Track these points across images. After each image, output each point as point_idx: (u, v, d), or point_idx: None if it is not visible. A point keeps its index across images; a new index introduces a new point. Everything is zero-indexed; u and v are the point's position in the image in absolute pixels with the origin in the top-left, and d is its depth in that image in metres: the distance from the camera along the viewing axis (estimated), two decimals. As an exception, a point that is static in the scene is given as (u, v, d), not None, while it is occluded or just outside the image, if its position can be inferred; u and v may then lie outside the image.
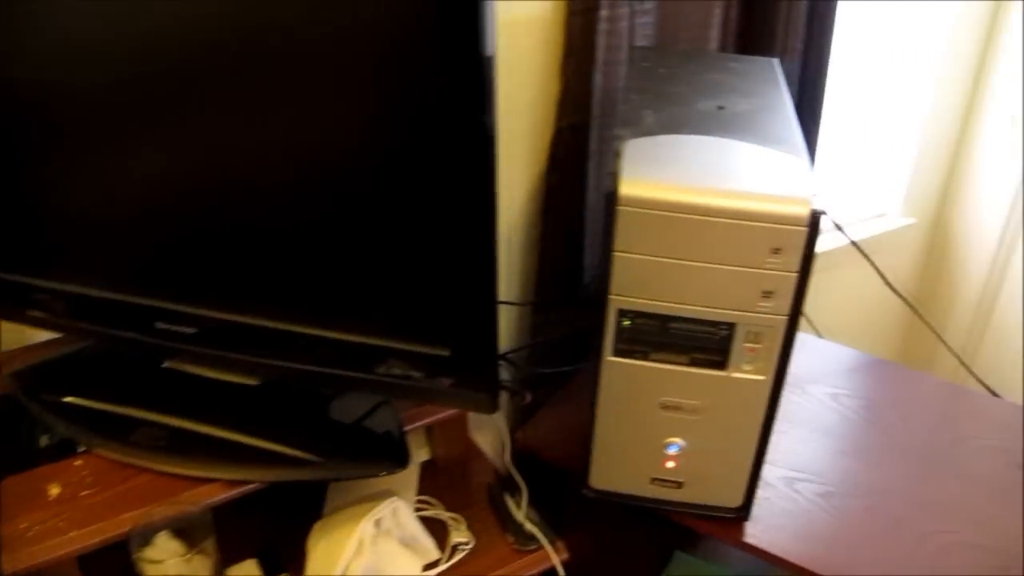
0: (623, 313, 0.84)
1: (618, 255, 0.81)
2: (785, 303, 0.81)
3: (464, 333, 0.86)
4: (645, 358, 0.87)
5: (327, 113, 0.84)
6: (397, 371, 0.89)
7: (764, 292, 0.80)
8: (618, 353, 0.87)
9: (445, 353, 0.87)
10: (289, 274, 0.91)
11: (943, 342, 1.30)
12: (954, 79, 1.92)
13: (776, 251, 0.78)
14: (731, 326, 0.83)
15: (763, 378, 0.86)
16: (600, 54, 1.24)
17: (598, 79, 1.26)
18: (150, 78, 0.84)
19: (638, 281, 0.82)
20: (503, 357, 1.31)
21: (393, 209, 0.85)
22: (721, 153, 0.84)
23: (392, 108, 0.82)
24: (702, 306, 0.82)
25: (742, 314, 0.82)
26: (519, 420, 1.30)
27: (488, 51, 0.79)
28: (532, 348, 1.41)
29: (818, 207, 0.76)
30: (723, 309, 0.82)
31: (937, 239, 2.14)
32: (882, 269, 1.35)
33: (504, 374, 1.32)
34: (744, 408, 0.88)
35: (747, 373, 0.86)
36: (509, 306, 1.39)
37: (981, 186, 2.02)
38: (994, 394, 1.20)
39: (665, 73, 1.04)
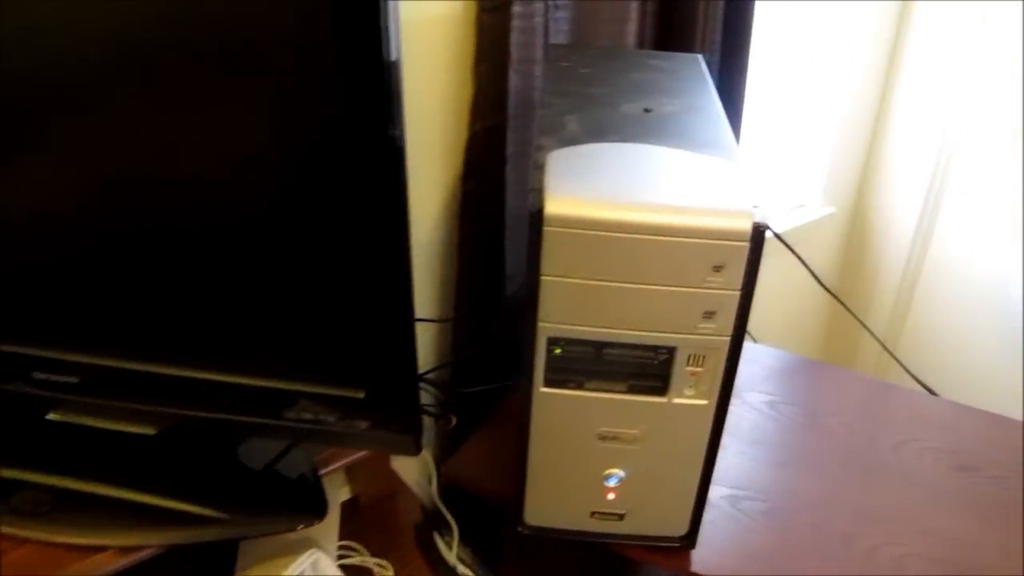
0: (554, 341, 0.77)
1: (546, 280, 0.73)
2: (728, 323, 0.75)
3: (380, 371, 0.78)
4: (579, 387, 0.80)
5: (216, 129, 0.74)
6: (308, 415, 0.80)
7: (706, 312, 0.74)
8: (550, 383, 0.80)
9: (360, 395, 0.78)
10: (181, 312, 0.81)
11: (873, 335, 1.27)
12: (868, 68, 1.92)
13: (717, 268, 0.72)
14: (671, 350, 0.77)
15: (706, 402, 0.80)
16: (514, 53, 1.17)
17: (513, 79, 1.19)
18: (18, 91, 0.73)
19: (569, 306, 0.75)
20: (422, 378, 1.23)
21: (295, 235, 0.76)
22: (652, 162, 0.78)
23: (290, 123, 0.73)
24: (639, 330, 0.76)
25: (683, 336, 0.76)
26: (446, 448, 1.23)
27: (392, 55, 0.71)
28: (453, 366, 1.33)
29: (761, 220, 0.70)
30: (662, 332, 0.76)
31: (856, 228, 2.14)
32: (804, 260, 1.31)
33: (425, 397, 1.24)
34: (687, 434, 0.82)
35: (689, 398, 0.79)
36: (427, 323, 1.30)
37: (897, 172, 2.03)
38: (931, 392, 1.17)
39: (586, 73, 0.97)
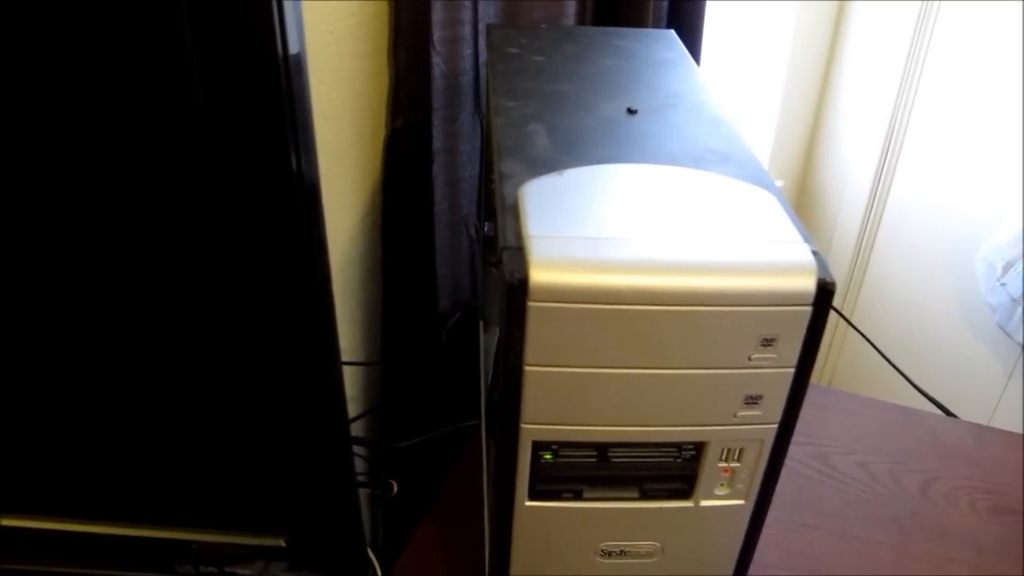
0: (542, 446, 0.56)
1: (532, 371, 0.52)
2: (777, 408, 0.55)
3: (308, 511, 0.56)
4: (577, 498, 0.59)
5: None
6: (213, 570, 0.57)
7: (748, 398, 0.54)
8: (537, 496, 0.59)
9: (280, 543, 0.56)
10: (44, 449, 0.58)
11: (855, 328, 1.11)
12: (811, 37, 1.76)
13: (767, 342, 0.52)
14: (700, 445, 0.57)
15: (742, 502, 0.60)
16: (437, 32, 0.95)
17: (437, 63, 0.97)
18: None
19: (562, 402, 0.54)
20: (346, 427, 1.01)
21: (181, 322, 0.53)
22: (660, 193, 0.57)
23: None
24: (659, 425, 0.55)
25: (716, 429, 0.56)
26: (388, 526, 1.01)
27: (293, 48, 0.49)
28: (382, 413, 1.11)
29: (825, 273, 0.50)
30: (688, 427, 0.56)
31: (806, 199, 1.99)
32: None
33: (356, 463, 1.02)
34: (716, 541, 0.63)
35: (721, 499, 0.60)
36: (349, 366, 1.08)
37: (845, 141, 1.89)
38: (949, 413, 1.01)
39: (543, 62, 0.75)
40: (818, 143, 1.94)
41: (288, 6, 0.49)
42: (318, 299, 0.54)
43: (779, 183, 1.87)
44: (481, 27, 0.98)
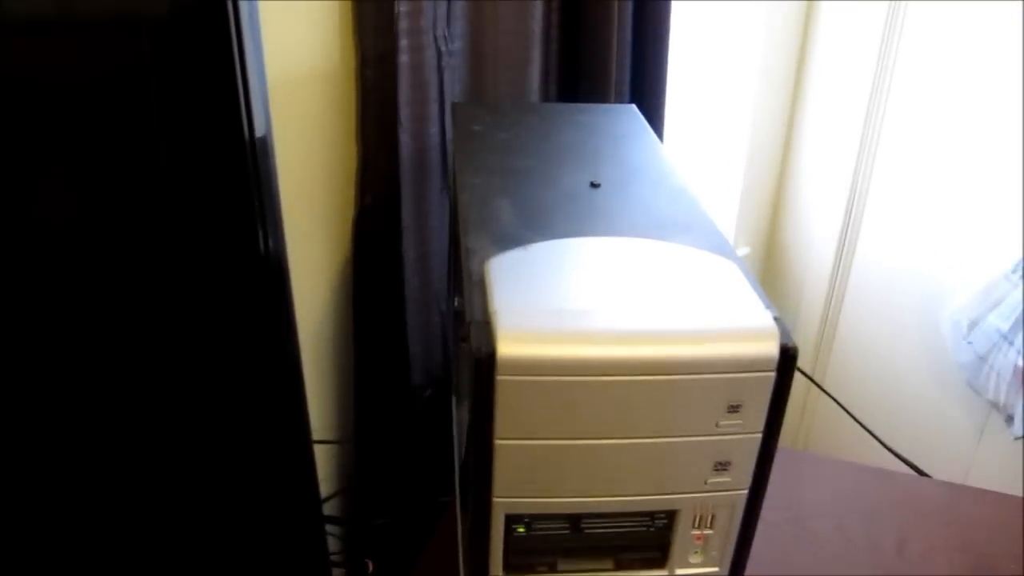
0: (515, 519, 0.56)
1: (502, 444, 0.52)
2: (746, 473, 0.56)
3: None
4: (551, 571, 0.59)
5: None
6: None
7: (717, 464, 0.55)
8: (511, 569, 0.59)
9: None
10: None
11: (825, 392, 1.12)
12: (771, 108, 1.81)
13: (733, 408, 0.52)
14: (672, 514, 0.57)
15: (716, 569, 0.60)
16: (404, 110, 0.97)
17: (405, 141, 0.99)
18: None
19: (534, 474, 0.54)
20: (318, 507, 1.00)
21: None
22: (624, 264, 0.58)
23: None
24: (630, 495, 0.56)
25: (688, 496, 0.56)
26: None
27: (260, 131, 0.50)
28: (356, 492, 1.10)
29: (788, 338, 0.51)
30: (660, 495, 0.56)
31: (772, 266, 2.02)
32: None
33: (329, 542, 1.01)
34: (692, 611, 0.62)
35: (695, 567, 0.60)
36: (322, 444, 1.07)
37: (808, 207, 1.93)
38: (921, 473, 1.01)
39: (507, 139, 0.77)
40: (782, 208, 1.98)
41: (254, 90, 0.50)
42: (288, 379, 0.54)
43: (745, 250, 1.90)
44: (447, 105, 1.01)
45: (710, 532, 0.58)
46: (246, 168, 0.51)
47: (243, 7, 0.50)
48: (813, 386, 1.25)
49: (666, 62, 1.21)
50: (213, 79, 0.50)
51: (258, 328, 0.53)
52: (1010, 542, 0.92)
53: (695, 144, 1.72)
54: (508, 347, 0.49)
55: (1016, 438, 1.54)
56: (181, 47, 0.49)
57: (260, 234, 0.50)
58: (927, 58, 1.62)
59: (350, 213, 1.03)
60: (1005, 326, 1.49)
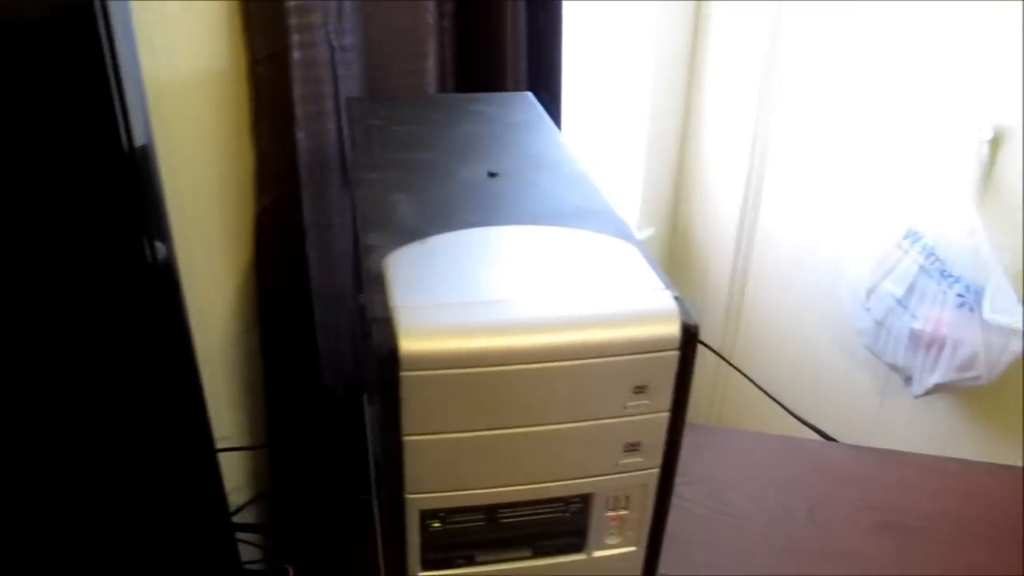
0: (429, 515, 0.56)
1: (411, 441, 0.52)
2: (656, 452, 0.57)
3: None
4: (470, 563, 0.59)
5: None
6: None
7: (628, 445, 0.56)
8: (430, 565, 0.58)
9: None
10: None
11: (735, 368, 1.15)
12: (669, 85, 1.84)
13: (639, 389, 0.53)
14: (586, 497, 0.57)
15: (634, 549, 0.61)
16: (300, 108, 0.95)
17: (302, 139, 0.97)
18: None
19: (445, 469, 0.54)
20: (227, 514, 0.98)
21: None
22: (524, 253, 0.58)
23: None
24: (544, 481, 0.56)
25: (600, 479, 0.57)
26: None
27: (139, 140, 0.48)
28: (272, 497, 1.08)
29: (689, 316, 0.52)
30: (574, 479, 0.56)
31: (678, 245, 2.06)
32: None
33: (246, 550, 0.99)
34: (613, 591, 0.63)
35: (613, 548, 0.61)
36: (232, 452, 1.05)
37: (709, 184, 1.97)
38: (827, 438, 1.05)
39: (404, 132, 0.76)
40: (684, 190, 2.01)
41: (132, 100, 0.48)
42: (186, 387, 0.53)
43: (649, 231, 1.92)
44: (343, 100, 0.99)
45: (625, 513, 0.59)
46: (127, 177, 0.49)
47: (114, 12, 0.48)
48: (723, 362, 1.28)
49: (561, 49, 1.22)
50: (86, 89, 0.48)
51: (151, 338, 0.51)
52: (914, 498, 0.96)
53: (595, 130, 1.73)
54: (411, 343, 0.49)
55: (915, 397, 1.60)
56: (50, 56, 0.47)
57: (146, 243, 0.48)
58: (816, 39, 1.67)
59: (251, 215, 1.01)
60: (899, 291, 1.54)
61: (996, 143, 1.46)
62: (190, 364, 0.53)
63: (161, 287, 0.50)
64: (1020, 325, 1.40)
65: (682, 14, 1.77)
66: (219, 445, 0.71)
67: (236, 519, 1.05)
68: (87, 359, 0.52)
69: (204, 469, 0.56)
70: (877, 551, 0.89)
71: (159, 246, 0.49)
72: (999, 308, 1.42)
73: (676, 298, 0.53)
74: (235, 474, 1.08)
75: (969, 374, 1.50)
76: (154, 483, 0.58)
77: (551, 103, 1.23)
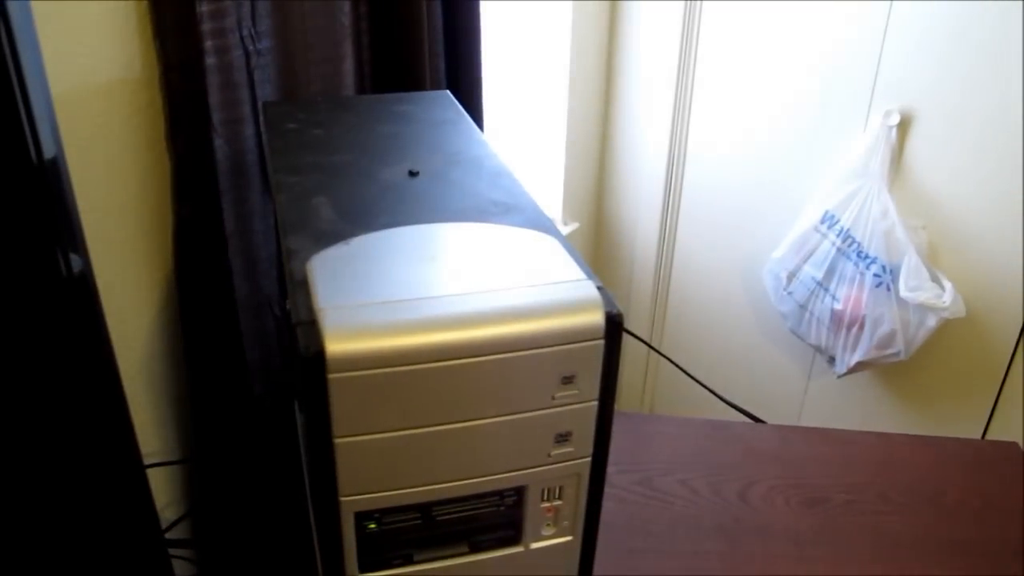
0: (364, 516, 0.56)
1: (342, 443, 0.52)
2: (587, 441, 0.57)
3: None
4: (408, 563, 0.59)
5: None
6: None
7: (558, 436, 0.56)
8: (368, 567, 0.58)
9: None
10: None
11: (663, 356, 1.17)
12: (588, 81, 1.85)
13: (567, 380, 0.54)
14: (520, 490, 0.58)
15: (570, 538, 0.62)
16: (216, 114, 0.94)
17: (220, 145, 0.96)
18: None
19: (378, 469, 0.54)
20: (162, 535, 0.96)
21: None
22: (447, 250, 0.58)
23: None
24: (477, 476, 0.56)
25: (533, 471, 0.57)
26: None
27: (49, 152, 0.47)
28: (196, 515, 1.06)
29: (612, 306, 0.53)
30: (505, 473, 0.57)
31: (602, 239, 2.08)
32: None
33: (180, 566, 0.97)
34: (552, 581, 0.63)
35: (549, 539, 0.61)
36: (163, 467, 1.03)
37: (630, 177, 1.99)
38: (755, 419, 1.07)
39: (322, 135, 0.76)
40: (607, 183, 2.04)
41: (38, 110, 0.47)
42: (109, 402, 0.51)
43: (575, 225, 1.94)
44: (260, 105, 0.98)
45: (560, 503, 0.60)
46: (37, 190, 0.47)
47: (15, 20, 0.47)
48: (652, 351, 1.30)
49: (480, 47, 1.22)
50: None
51: (71, 353, 0.50)
52: (837, 473, 0.99)
53: (516, 127, 1.74)
54: (336, 345, 0.49)
55: (839, 376, 1.65)
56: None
57: (60, 256, 0.47)
58: (730, 34, 1.70)
59: (170, 225, 0.99)
60: (819, 274, 1.59)
61: (903, 127, 1.52)
62: (112, 379, 0.52)
63: (78, 301, 0.49)
64: (934, 302, 1.46)
65: (599, 10, 1.79)
66: (147, 461, 0.70)
67: (169, 535, 1.03)
68: (5, 379, 0.51)
69: (133, 486, 0.55)
70: (806, 526, 0.91)
71: (74, 259, 0.48)
72: (914, 286, 1.47)
73: (599, 288, 0.54)
74: (167, 489, 1.06)
75: (888, 351, 1.55)
76: (83, 502, 0.56)
77: (471, 101, 1.24)
